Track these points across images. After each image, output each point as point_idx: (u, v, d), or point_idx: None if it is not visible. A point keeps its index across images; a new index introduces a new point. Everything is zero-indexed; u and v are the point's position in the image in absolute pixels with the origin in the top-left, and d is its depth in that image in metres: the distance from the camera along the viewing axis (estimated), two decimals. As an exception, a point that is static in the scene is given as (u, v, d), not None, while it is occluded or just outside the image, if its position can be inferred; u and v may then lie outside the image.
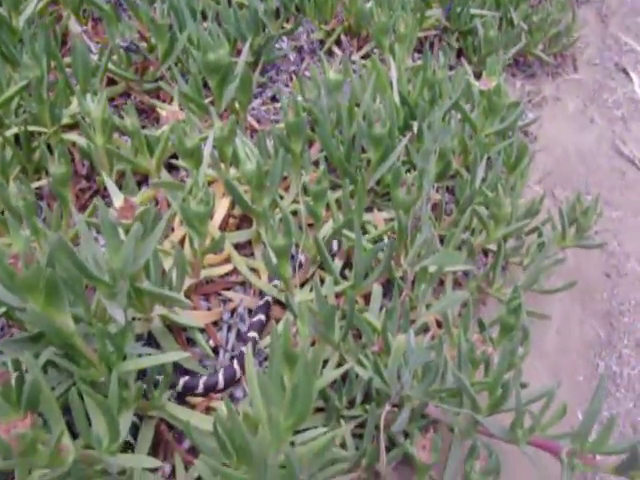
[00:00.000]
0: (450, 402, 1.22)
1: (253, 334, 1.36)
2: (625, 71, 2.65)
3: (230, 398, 1.33)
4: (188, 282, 1.39)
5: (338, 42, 2.22)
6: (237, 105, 1.73)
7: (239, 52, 1.96)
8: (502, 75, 2.27)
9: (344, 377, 1.27)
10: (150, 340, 1.31)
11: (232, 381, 1.30)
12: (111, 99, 1.84)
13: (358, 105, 1.65)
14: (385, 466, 1.07)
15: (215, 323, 1.42)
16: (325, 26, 2.17)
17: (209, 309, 1.43)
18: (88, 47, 1.94)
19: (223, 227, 1.52)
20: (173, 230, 1.49)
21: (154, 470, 1.15)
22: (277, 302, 1.42)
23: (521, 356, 1.20)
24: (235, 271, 1.47)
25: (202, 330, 1.39)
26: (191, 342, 1.37)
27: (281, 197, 1.56)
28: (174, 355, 1.07)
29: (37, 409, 0.88)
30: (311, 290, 1.44)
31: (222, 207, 1.50)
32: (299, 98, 1.68)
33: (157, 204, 1.54)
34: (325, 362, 1.32)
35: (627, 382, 1.78)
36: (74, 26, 2.01)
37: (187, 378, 1.26)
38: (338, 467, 1.11)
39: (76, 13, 1.99)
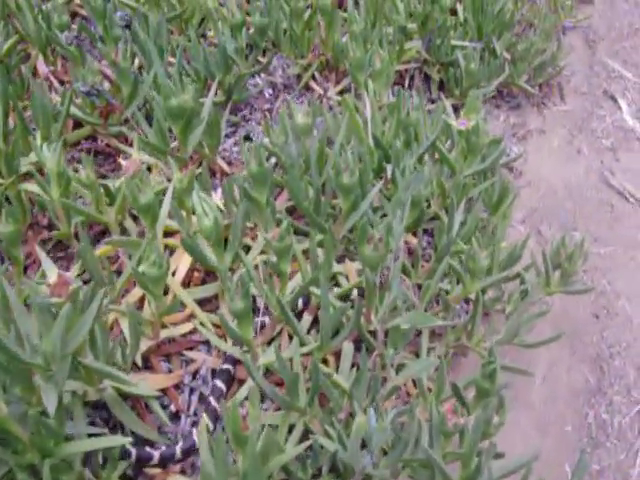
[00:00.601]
0: (422, 473, 1.14)
1: (213, 403, 1.28)
2: (614, 98, 2.58)
3: (191, 468, 1.26)
4: (147, 344, 1.32)
5: (315, 77, 2.16)
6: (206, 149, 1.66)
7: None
8: (484, 108, 2.21)
9: (310, 445, 1.19)
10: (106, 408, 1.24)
11: (191, 451, 1.22)
12: (77, 142, 1.77)
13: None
14: None
15: (177, 385, 1.35)
16: (302, 60, 2.11)
17: (170, 371, 1.35)
18: (56, 88, 1.89)
19: (187, 282, 1.45)
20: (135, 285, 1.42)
21: None
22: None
23: (496, 425, 1.13)
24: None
25: (163, 393, 1.32)
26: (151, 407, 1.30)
27: (248, 248, 1.49)
28: (118, 440, 0.99)
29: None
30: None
31: (185, 261, 1.43)
32: (267, 141, 1.61)
33: (118, 259, 1.47)
34: (291, 428, 1.25)
35: (618, 431, 1.70)
36: (41, 66, 1.96)
37: (141, 449, 1.19)
38: None
39: (44, 52, 1.94)
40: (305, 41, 2.09)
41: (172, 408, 1.31)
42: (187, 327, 1.39)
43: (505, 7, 2.26)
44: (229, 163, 1.81)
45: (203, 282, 1.46)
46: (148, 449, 1.19)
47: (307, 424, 1.21)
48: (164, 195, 1.42)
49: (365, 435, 0.98)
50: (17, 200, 1.49)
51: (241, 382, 1.35)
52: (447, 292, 1.50)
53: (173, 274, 1.42)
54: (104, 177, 1.71)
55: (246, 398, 1.31)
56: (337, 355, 1.38)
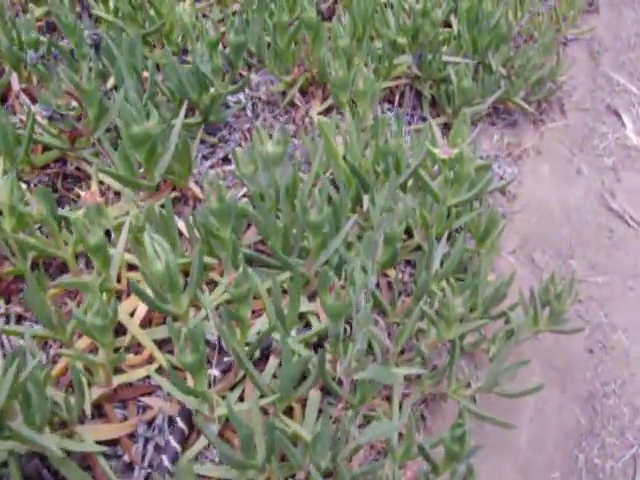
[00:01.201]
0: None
1: (173, 444, 1.20)
2: (617, 113, 2.47)
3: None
4: (99, 391, 1.24)
5: (302, 93, 2.07)
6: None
7: (186, 114, 1.82)
8: (477, 127, 2.11)
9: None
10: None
11: (141, 510, 1.15)
12: (46, 166, 1.70)
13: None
14: None
15: (133, 434, 1.27)
16: (286, 77, 2.02)
17: (126, 418, 1.28)
18: (29, 107, 1.81)
19: (146, 321, 1.37)
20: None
21: None
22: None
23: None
24: (158, 372, 1.32)
25: (117, 443, 1.24)
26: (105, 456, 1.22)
27: (215, 284, 1.41)
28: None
29: None
30: (241, 398, 1.29)
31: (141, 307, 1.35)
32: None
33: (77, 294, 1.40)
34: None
35: (610, 477, 1.60)
36: (14, 83, 1.89)
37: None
38: None
39: (16, 68, 1.86)
40: (290, 56, 2.01)
41: (126, 458, 1.23)
42: (148, 369, 1.31)
43: (501, 20, 2.15)
44: (204, 187, 1.73)
45: (165, 321, 1.38)
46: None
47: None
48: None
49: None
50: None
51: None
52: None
53: (132, 314, 1.34)
54: (75, 201, 1.64)
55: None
56: (304, 402, 1.30)
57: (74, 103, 1.66)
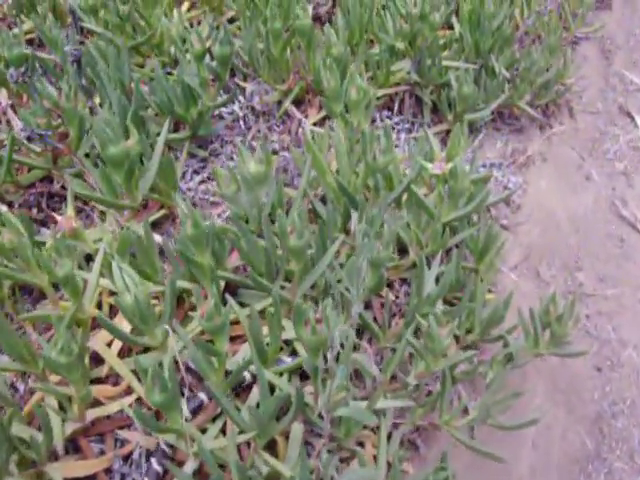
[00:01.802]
0: None
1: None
2: (630, 115, 2.37)
3: None
4: (73, 426, 1.19)
5: (298, 102, 2.01)
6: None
7: (176, 128, 1.78)
8: (481, 133, 2.04)
9: None
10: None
11: None
12: (31, 185, 1.66)
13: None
14: None
15: (109, 469, 1.22)
16: (281, 85, 1.96)
17: (102, 452, 1.23)
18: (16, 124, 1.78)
19: (126, 350, 1.32)
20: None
21: None
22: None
23: None
24: (137, 403, 1.27)
25: (93, 479, 1.20)
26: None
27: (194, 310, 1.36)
28: None
29: None
30: (222, 430, 1.24)
31: (127, 324, 1.30)
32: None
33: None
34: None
35: (618, 504, 1.53)
36: (2, 99, 1.85)
37: None
38: None
39: (4, 84, 1.82)
40: (284, 64, 1.94)
41: (102, 496, 1.19)
42: (126, 401, 1.26)
43: (505, 21, 2.07)
44: (193, 205, 1.68)
45: (147, 349, 1.33)
46: None
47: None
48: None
49: None
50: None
51: (181, 463, 1.23)
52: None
53: (110, 343, 1.29)
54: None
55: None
56: (288, 434, 1.24)
57: (60, 120, 1.63)
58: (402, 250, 1.61)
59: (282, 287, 1.39)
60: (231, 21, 2.18)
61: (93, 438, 1.24)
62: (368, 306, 1.51)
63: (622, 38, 2.65)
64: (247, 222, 1.40)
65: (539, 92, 2.14)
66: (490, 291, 1.66)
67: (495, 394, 1.24)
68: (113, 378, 1.30)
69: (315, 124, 1.94)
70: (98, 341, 1.27)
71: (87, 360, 1.28)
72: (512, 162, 2.00)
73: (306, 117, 1.97)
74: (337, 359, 1.01)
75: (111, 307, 1.40)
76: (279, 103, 1.99)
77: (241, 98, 1.97)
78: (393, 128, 2.01)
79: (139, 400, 1.28)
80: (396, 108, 2.04)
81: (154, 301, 1.34)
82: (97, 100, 1.75)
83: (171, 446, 1.19)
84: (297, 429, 1.20)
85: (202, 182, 1.74)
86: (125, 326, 1.30)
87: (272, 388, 1.20)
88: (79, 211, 1.60)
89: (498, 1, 2.09)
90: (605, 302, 1.84)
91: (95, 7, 1.86)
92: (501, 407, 1.22)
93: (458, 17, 2.16)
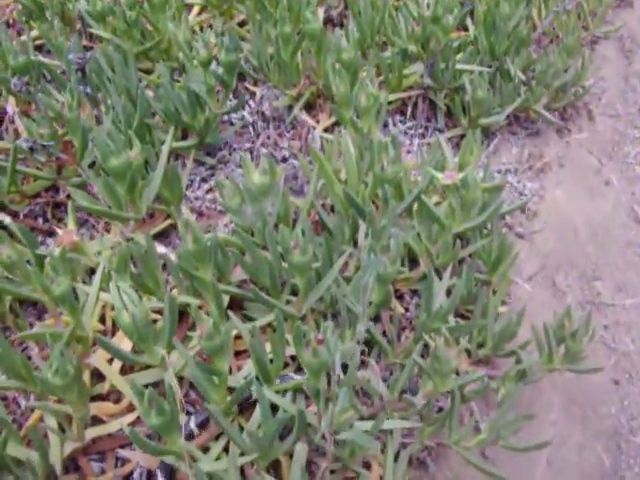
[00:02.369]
0: None
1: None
2: (652, 117, 2.31)
3: None
4: (73, 445, 1.17)
5: (309, 106, 1.97)
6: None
7: (184, 135, 1.75)
8: (497, 137, 1.99)
9: None
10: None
11: None
12: (37, 194, 1.64)
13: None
14: None
15: (110, 488, 1.20)
16: (291, 90, 1.93)
17: (103, 471, 1.21)
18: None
19: (127, 367, 1.29)
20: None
21: None
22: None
23: None
24: (139, 421, 1.25)
25: (94, 498, 1.18)
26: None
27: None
28: None
29: None
30: (225, 448, 1.21)
31: (126, 344, 1.28)
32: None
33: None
34: None
35: (636, 524, 1.48)
36: (9, 107, 1.84)
37: None
38: None
39: (11, 92, 1.81)
40: (294, 69, 1.91)
41: (103, 516, 1.17)
42: (128, 419, 1.24)
43: (521, 22, 2.01)
44: (200, 214, 1.65)
45: (148, 366, 1.31)
46: None
47: None
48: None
49: None
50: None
51: (184, 483, 1.20)
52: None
53: (110, 361, 1.27)
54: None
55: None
56: (292, 454, 1.21)
57: (65, 128, 1.61)
58: (413, 260, 1.57)
59: (288, 301, 1.36)
60: (241, 24, 2.14)
61: (94, 457, 1.22)
62: (377, 319, 1.48)
63: (643, 37, 2.58)
64: (252, 235, 1.37)
65: (556, 95, 2.08)
66: (504, 302, 1.61)
67: (506, 414, 1.19)
68: (115, 395, 1.28)
69: (326, 130, 1.91)
70: (99, 358, 1.25)
71: (88, 376, 1.27)
72: (528, 167, 1.95)
73: (317, 122, 1.93)
74: (339, 382, 0.98)
75: (114, 321, 1.38)
76: (289, 108, 1.96)
77: (251, 103, 1.95)
78: (406, 133, 1.97)
79: (141, 418, 1.25)
80: (409, 112, 1.99)
81: (157, 316, 1.32)
82: (103, 108, 1.73)
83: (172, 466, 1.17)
84: (300, 450, 1.17)
85: (210, 190, 1.71)
86: (127, 343, 1.28)
87: (276, 407, 1.17)
88: (84, 222, 1.58)
89: (514, 1, 2.03)
90: (624, 312, 1.78)
91: (103, 13, 1.84)
92: (512, 428, 1.17)
93: (473, 18, 2.10)
